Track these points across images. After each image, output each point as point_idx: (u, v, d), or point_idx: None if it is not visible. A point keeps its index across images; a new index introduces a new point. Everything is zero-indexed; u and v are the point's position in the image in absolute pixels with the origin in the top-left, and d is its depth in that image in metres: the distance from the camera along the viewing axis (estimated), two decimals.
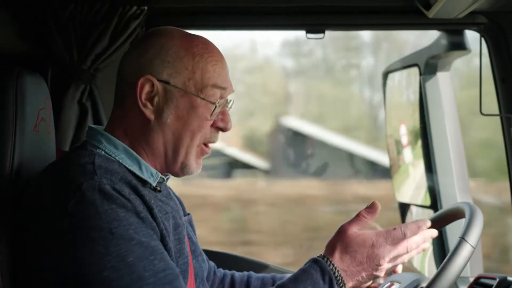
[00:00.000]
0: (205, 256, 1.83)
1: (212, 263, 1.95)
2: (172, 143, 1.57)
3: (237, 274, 1.98)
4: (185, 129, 1.56)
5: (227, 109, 1.62)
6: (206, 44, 1.60)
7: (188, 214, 1.79)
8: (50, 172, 1.51)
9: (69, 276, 1.40)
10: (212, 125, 1.59)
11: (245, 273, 1.99)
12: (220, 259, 2.21)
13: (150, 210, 1.48)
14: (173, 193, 1.75)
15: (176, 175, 1.63)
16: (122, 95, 1.59)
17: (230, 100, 1.63)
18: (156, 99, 1.55)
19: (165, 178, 1.63)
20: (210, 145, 1.63)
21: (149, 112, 1.55)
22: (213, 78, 1.57)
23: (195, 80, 1.55)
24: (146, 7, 2.25)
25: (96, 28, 2.22)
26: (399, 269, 1.94)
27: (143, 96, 1.55)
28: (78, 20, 2.21)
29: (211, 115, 1.57)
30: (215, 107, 1.57)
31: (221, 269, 1.99)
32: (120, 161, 1.54)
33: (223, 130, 1.62)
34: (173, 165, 1.59)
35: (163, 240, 1.49)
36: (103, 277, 1.37)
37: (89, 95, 2.29)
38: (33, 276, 1.46)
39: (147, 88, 1.54)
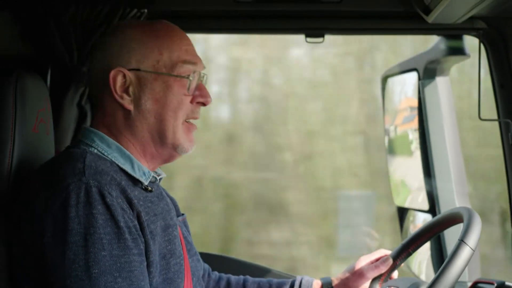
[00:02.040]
0: (199, 257, 1.83)
1: (206, 265, 1.95)
2: (157, 127, 1.57)
3: (233, 277, 1.98)
4: (165, 110, 1.57)
5: (203, 83, 1.63)
6: (167, 25, 1.62)
7: (182, 214, 1.79)
8: (42, 172, 1.52)
9: (41, 276, 1.42)
10: (191, 101, 1.60)
11: (241, 276, 1.98)
12: (215, 262, 2.20)
13: (137, 214, 1.48)
14: (166, 194, 1.75)
15: (172, 157, 1.63)
16: (98, 95, 1.60)
17: (204, 74, 1.64)
18: (131, 89, 1.56)
19: (158, 178, 1.63)
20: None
21: (127, 103, 1.56)
22: (181, 55, 1.58)
23: (163, 60, 1.57)
24: (146, 10, 2.26)
25: (97, 30, 2.22)
26: (395, 275, 1.94)
27: (118, 89, 1.56)
28: (79, 22, 2.21)
29: (188, 90, 1.58)
30: (189, 81, 1.58)
31: (216, 272, 1.99)
32: (113, 159, 1.54)
33: (204, 104, 1.63)
34: (165, 149, 1.60)
35: (147, 250, 1.48)
36: (65, 285, 1.38)
37: (88, 97, 2.29)
38: (22, 276, 1.47)
39: (119, 80, 1.56)
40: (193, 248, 1.76)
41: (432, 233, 1.96)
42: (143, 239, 1.48)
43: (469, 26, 2.26)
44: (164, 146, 1.59)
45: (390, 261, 1.92)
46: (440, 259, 2.64)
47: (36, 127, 1.61)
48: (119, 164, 1.54)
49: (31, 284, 1.46)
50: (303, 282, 1.95)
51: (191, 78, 1.59)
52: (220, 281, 1.96)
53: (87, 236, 1.39)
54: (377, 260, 1.93)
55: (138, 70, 1.56)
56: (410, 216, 2.94)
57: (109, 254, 1.40)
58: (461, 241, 1.64)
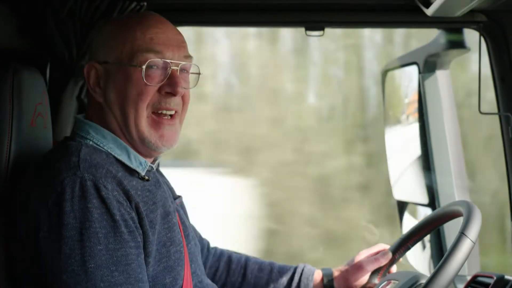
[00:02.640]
0: (198, 235, 1.82)
1: (205, 240, 1.96)
2: (122, 119, 1.56)
3: (234, 255, 1.99)
4: (126, 101, 1.55)
5: (176, 72, 1.57)
6: (143, 15, 1.60)
7: (179, 196, 1.79)
8: (38, 166, 1.52)
9: (37, 272, 1.43)
10: (159, 91, 1.57)
11: (243, 255, 2.00)
12: None
13: (136, 206, 1.48)
14: (164, 180, 1.75)
15: (149, 152, 1.60)
16: (87, 89, 1.62)
17: (171, 62, 1.57)
18: (101, 82, 1.57)
19: (153, 167, 1.63)
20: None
21: (98, 96, 1.57)
22: (144, 43, 1.55)
23: (126, 51, 1.56)
24: (145, 3, 2.25)
25: (96, 24, 2.21)
26: (394, 268, 1.94)
27: (91, 83, 1.57)
28: (78, 16, 2.20)
29: (144, 78, 1.54)
30: (143, 70, 1.54)
31: (217, 247, 2.00)
32: (109, 150, 1.54)
33: (173, 94, 1.57)
34: (134, 142, 1.57)
35: (145, 241, 1.48)
36: (62, 280, 1.38)
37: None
38: (19, 271, 1.47)
39: (93, 74, 1.57)
40: (191, 231, 1.75)
41: (431, 227, 1.96)
42: (141, 231, 1.47)
43: (469, 19, 2.25)
44: (133, 139, 1.57)
45: (390, 255, 1.92)
46: (440, 253, 2.64)
47: (33, 121, 1.61)
48: (115, 155, 1.54)
49: (27, 279, 1.46)
50: (305, 270, 1.96)
51: (151, 66, 1.54)
52: (221, 257, 1.98)
53: (82, 230, 1.39)
54: (376, 253, 1.94)
55: (106, 63, 1.56)
56: (409, 210, 2.94)
57: (105, 248, 1.40)
58: (462, 233, 1.64)
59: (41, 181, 1.45)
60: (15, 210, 1.47)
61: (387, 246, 1.95)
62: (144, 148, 1.58)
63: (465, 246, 1.62)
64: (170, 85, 1.57)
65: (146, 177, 1.56)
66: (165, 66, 1.56)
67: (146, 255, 1.48)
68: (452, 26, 2.44)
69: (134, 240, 1.45)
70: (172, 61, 1.57)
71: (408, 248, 1.99)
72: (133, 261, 1.43)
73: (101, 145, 1.54)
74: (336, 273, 1.96)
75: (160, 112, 1.57)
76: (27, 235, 1.43)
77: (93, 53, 1.60)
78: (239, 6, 2.37)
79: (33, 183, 1.47)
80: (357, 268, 1.93)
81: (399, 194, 3.05)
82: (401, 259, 2.01)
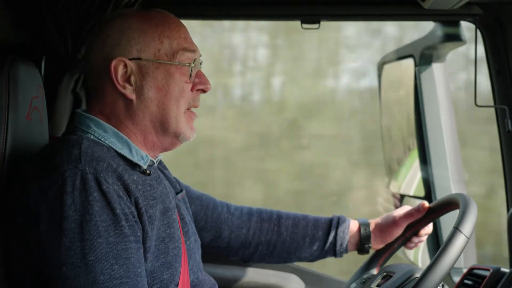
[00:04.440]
0: (197, 237, 1.81)
1: (224, 203, 2.01)
2: (159, 116, 1.57)
3: (264, 212, 2.03)
4: (168, 98, 1.57)
5: (200, 70, 1.64)
6: (164, 13, 1.62)
7: (181, 191, 1.79)
8: (38, 159, 1.51)
9: (36, 264, 1.43)
10: (191, 89, 1.61)
11: (274, 211, 2.04)
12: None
13: (135, 200, 1.48)
14: (166, 173, 1.76)
15: (173, 145, 1.63)
16: (97, 86, 1.59)
17: (201, 61, 1.64)
18: (132, 78, 1.56)
19: (155, 161, 1.63)
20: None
21: (129, 92, 1.56)
22: (181, 43, 1.59)
23: (165, 48, 1.57)
24: None
25: (91, 17, 2.21)
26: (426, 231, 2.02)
27: (119, 79, 1.55)
28: (73, 9, 2.20)
29: (190, 77, 1.59)
30: (191, 68, 1.58)
31: (242, 207, 2.03)
32: (110, 144, 1.54)
33: (204, 90, 1.63)
34: (166, 137, 1.60)
35: (144, 236, 1.48)
36: (62, 272, 1.38)
37: (83, 84, 2.28)
38: (18, 265, 1.47)
39: (121, 69, 1.55)
40: (191, 228, 1.75)
41: (428, 219, 1.97)
42: (140, 226, 1.48)
43: (466, 12, 2.25)
44: (166, 135, 1.59)
45: (425, 207, 1.96)
46: (436, 246, 2.65)
47: (29, 114, 1.61)
48: (117, 149, 1.54)
49: (27, 273, 1.46)
50: (340, 222, 2.01)
51: (192, 65, 1.59)
52: (250, 217, 2.00)
53: (83, 223, 1.39)
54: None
55: (139, 59, 1.55)
56: (406, 202, 2.95)
57: (106, 241, 1.40)
58: (456, 229, 1.64)
59: (41, 174, 1.45)
60: (13, 202, 1.47)
61: (426, 203, 1.97)
62: (172, 142, 1.61)
63: (459, 241, 1.63)
64: (202, 83, 1.62)
65: (148, 171, 1.56)
66: (196, 64, 1.61)
67: (145, 250, 1.49)
68: (448, 19, 2.44)
69: (134, 235, 1.45)
70: (200, 59, 1.63)
71: (407, 239, 2.00)
72: (132, 255, 1.43)
73: (102, 139, 1.54)
74: (373, 225, 2.01)
75: (189, 108, 1.62)
76: (26, 228, 1.43)
77: (111, 48, 1.56)
78: (234, 0, 2.36)
79: (33, 175, 1.46)
80: (391, 221, 1.98)
81: (395, 187, 3.05)
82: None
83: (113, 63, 1.54)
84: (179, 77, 1.57)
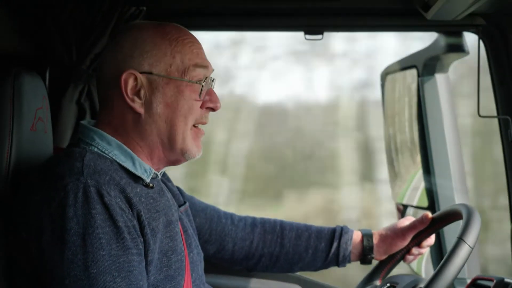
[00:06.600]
0: (200, 249, 1.80)
1: (229, 214, 2.00)
2: (167, 132, 1.57)
3: (268, 224, 2.02)
4: (176, 115, 1.56)
5: (212, 88, 1.63)
6: (179, 28, 1.61)
7: (185, 203, 1.79)
8: (41, 171, 1.51)
9: (39, 276, 1.42)
10: (201, 106, 1.59)
11: (277, 221, 2.03)
12: None
13: (137, 214, 1.47)
14: (169, 186, 1.76)
15: (178, 162, 1.63)
16: (106, 96, 1.59)
17: (213, 79, 1.63)
18: (142, 92, 1.55)
19: (158, 174, 1.63)
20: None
21: (138, 106, 1.55)
22: (193, 58, 1.57)
23: (176, 64, 1.56)
24: (145, 8, 2.26)
25: (95, 28, 2.22)
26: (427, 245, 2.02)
27: (129, 92, 1.55)
28: (78, 20, 2.21)
29: (200, 95, 1.58)
30: (202, 86, 1.57)
31: (246, 218, 2.03)
32: (114, 157, 1.54)
33: (213, 109, 1.62)
34: (173, 153, 1.59)
35: (146, 249, 1.48)
36: (64, 285, 1.38)
37: (87, 95, 2.29)
38: (20, 276, 1.47)
39: (131, 82, 1.54)
40: (194, 240, 1.75)
41: (432, 230, 1.96)
42: (142, 239, 1.47)
43: (468, 22, 2.26)
44: (172, 151, 1.58)
45: (429, 218, 1.95)
46: (440, 256, 2.64)
47: (34, 125, 1.61)
48: (120, 162, 1.53)
49: (29, 284, 1.45)
50: (343, 233, 2.01)
51: (203, 83, 1.58)
52: (254, 228, 2.00)
53: (85, 236, 1.39)
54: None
55: (150, 73, 1.55)
56: (409, 213, 2.94)
57: (108, 254, 1.39)
58: (460, 239, 1.64)
59: (44, 185, 1.45)
60: (17, 213, 1.47)
61: (429, 214, 1.97)
62: (178, 159, 1.60)
63: (463, 251, 1.63)
64: (212, 101, 1.61)
65: (151, 184, 1.56)
66: (208, 82, 1.60)
67: (147, 263, 1.48)
68: (451, 30, 2.44)
69: (136, 247, 1.45)
70: (212, 76, 1.62)
71: (409, 250, 1.99)
72: (135, 268, 1.43)
73: (105, 152, 1.54)
74: (376, 235, 2.00)
75: (197, 125, 1.61)
76: (29, 239, 1.43)
77: (122, 60, 1.55)
78: (238, 11, 2.37)
79: (36, 187, 1.47)
80: (395, 232, 1.98)
81: (398, 197, 3.05)
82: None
83: (124, 75, 1.54)
84: (189, 94, 1.56)
